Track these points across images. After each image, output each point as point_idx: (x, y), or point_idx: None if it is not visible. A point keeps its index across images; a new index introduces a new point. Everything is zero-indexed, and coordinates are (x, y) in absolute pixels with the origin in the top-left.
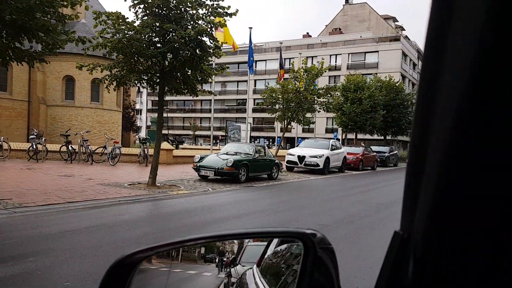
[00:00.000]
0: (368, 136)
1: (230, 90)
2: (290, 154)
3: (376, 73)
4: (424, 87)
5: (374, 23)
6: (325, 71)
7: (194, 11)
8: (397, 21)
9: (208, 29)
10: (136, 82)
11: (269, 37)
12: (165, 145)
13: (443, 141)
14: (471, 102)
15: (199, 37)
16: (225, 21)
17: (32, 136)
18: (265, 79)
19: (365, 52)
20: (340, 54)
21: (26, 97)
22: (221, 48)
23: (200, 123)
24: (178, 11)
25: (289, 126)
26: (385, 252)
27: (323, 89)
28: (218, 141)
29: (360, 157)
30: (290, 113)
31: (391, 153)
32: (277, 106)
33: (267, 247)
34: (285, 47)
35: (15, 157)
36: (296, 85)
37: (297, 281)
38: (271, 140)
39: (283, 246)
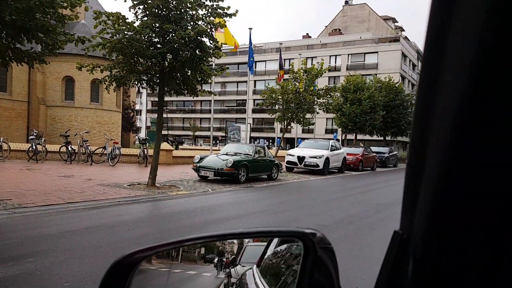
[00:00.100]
0: (367, 137)
1: (230, 90)
2: (290, 155)
3: (376, 74)
4: (423, 88)
5: (373, 24)
6: (325, 72)
7: (194, 12)
8: (397, 22)
9: (208, 30)
10: (136, 82)
11: (269, 38)
12: (164, 145)
13: (443, 141)
14: (471, 102)
15: (199, 37)
16: (225, 21)
17: (31, 137)
18: (264, 80)
19: (365, 53)
20: (340, 55)
21: (25, 98)
22: (221, 48)
23: (200, 124)
24: (178, 12)
25: (288, 127)
26: (385, 252)
27: (322, 89)
28: (217, 142)
29: (360, 157)
30: (290, 114)
31: (390, 154)
32: (276, 107)
33: (267, 247)
34: (285, 47)
35: (15, 157)
36: (296, 86)
37: (297, 281)
38: (270, 141)
39: (283, 246)
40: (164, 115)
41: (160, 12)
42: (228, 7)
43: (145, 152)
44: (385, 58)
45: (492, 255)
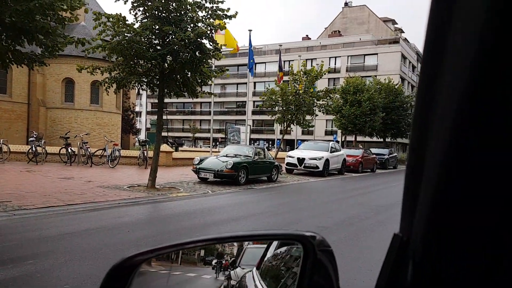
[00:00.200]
0: (367, 139)
1: (229, 92)
2: (290, 156)
3: (376, 76)
4: (423, 89)
5: (373, 26)
6: (325, 74)
7: (194, 14)
8: (397, 23)
9: (208, 32)
10: (136, 84)
11: (269, 38)
12: (164, 147)
13: (443, 142)
14: (471, 102)
15: (198, 39)
16: (225, 24)
17: (31, 139)
18: (264, 82)
19: (365, 55)
20: (340, 56)
21: (25, 100)
22: (221, 50)
23: (200, 125)
24: (178, 14)
25: (288, 129)
26: (384, 254)
27: (322, 91)
28: (217, 143)
29: (360, 159)
30: (289, 116)
31: (390, 155)
32: (276, 108)
33: (266, 249)
34: (285, 49)
35: (15, 159)
36: (296, 88)
37: (296, 283)
38: (270, 142)
39: (283, 249)
40: (164, 117)
41: (160, 14)
42: (228, 9)
43: (145, 154)
44: (385, 60)
45: (492, 255)
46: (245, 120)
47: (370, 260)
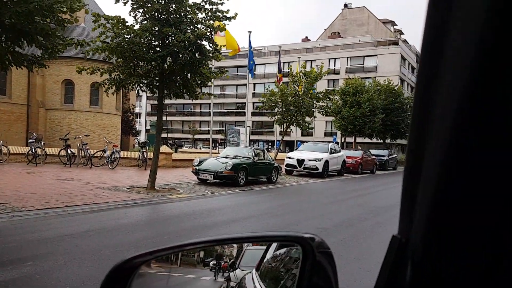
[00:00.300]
0: (367, 140)
1: (229, 93)
2: (289, 158)
3: (375, 77)
4: (421, 90)
5: (372, 27)
6: (324, 75)
7: (193, 16)
8: (396, 25)
9: (208, 33)
10: (136, 85)
11: (269, 39)
12: (164, 148)
13: (443, 141)
14: (471, 102)
15: (198, 41)
16: (225, 25)
17: (31, 140)
18: (264, 83)
19: (364, 56)
20: (339, 58)
21: (25, 101)
22: (221, 51)
23: (199, 127)
24: (178, 15)
25: (288, 130)
26: (384, 255)
27: (322, 93)
28: (217, 145)
29: (359, 160)
30: (289, 117)
31: (390, 157)
32: (276, 110)
33: (266, 251)
34: (284, 51)
35: (14, 161)
36: (295, 89)
37: (296, 285)
38: (270, 144)
39: (282, 250)
40: (164, 118)
41: (159, 15)
42: (228, 11)
43: (145, 155)
44: (384, 61)
45: (492, 255)
46: (244, 121)
47: (370, 261)
